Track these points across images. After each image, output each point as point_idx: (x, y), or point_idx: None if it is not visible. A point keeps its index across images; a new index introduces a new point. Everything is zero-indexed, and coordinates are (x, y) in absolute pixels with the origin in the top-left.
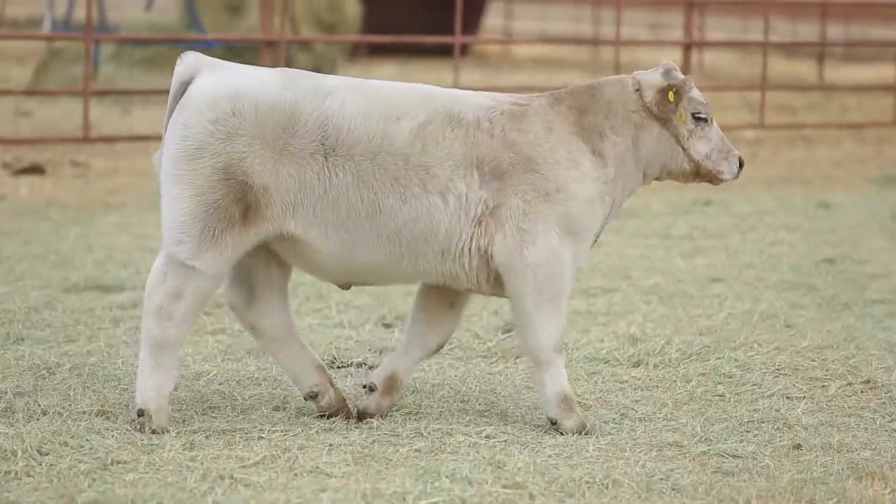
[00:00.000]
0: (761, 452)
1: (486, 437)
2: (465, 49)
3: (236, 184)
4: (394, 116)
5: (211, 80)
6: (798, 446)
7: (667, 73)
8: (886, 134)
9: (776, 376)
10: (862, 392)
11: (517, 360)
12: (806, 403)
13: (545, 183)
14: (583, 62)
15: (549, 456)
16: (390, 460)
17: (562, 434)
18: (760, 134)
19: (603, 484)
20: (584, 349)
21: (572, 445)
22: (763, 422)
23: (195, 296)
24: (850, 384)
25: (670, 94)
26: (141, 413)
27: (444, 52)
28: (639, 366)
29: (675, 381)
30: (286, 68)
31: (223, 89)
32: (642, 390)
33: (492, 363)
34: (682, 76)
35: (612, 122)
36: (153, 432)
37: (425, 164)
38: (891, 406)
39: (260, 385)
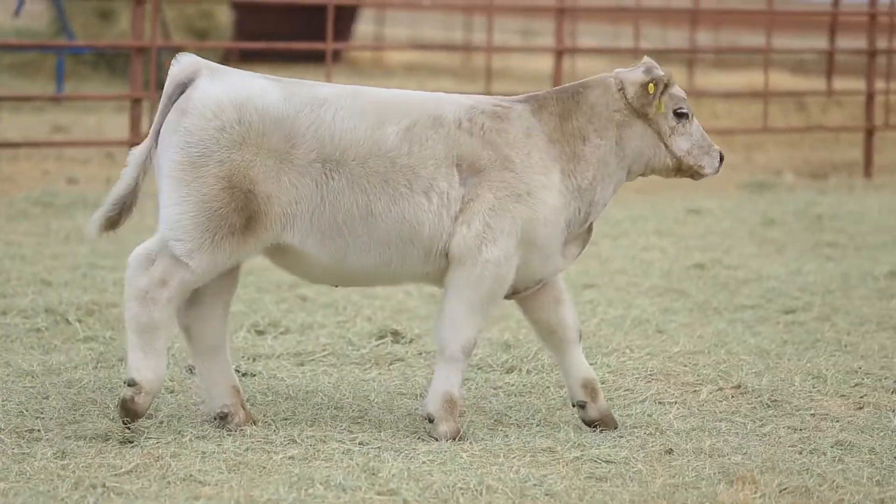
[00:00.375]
0: (634, 457)
1: (359, 444)
2: (337, 55)
3: (240, 192)
4: (381, 121)
5: (216, 86)
6: (670, 451)
7: (647, 70)
8: (756, 140)
9: (648, 381)
10: (733, 397)
11: (391, 367)
12: (678, 408)
13: (519, 184)
14: (454, 68)
15: (423, 462)
16: (264, 468)
17: (432, 436)
18: None
19: (477, 490)
20: None
21: (446, 452)
22: (635, 427)
23: (179, 287)
24: (721, 389)
25: (650, 86)
26: (133, 383)
27: (317, 58)
28: (512, 372)
29: (548, 387)
30: (279, 77)
31: (229, 97)
32: (516, 396)
33: (365, 370)
34: (662, 72)
35: (595, 125)
36: (133, 410)
37: (411, 165)
38: (761, 411)
39: None
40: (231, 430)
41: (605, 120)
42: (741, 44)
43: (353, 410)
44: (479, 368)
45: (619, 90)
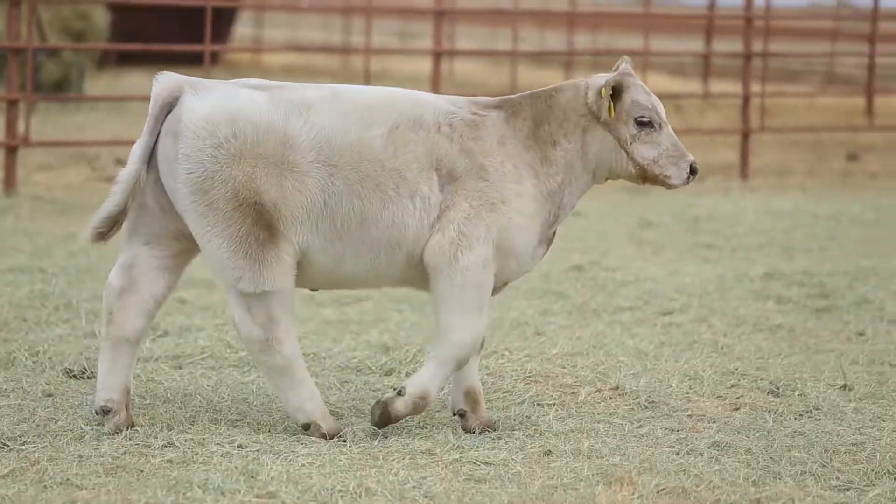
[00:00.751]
0: (513, 459)
1: (238, 447)
2: (215, 57)
3: (250, 207)
4: (367, 124)
5: (203, 103)
6: (548, 452)
7: (619, 74)
8: None
9: (527, 383)
10: (611, 398)
11: None
12: (556, 410)
13: (493, 193)
14: (333, 70)
15: (303, 465)
16: (142, 471)
17: (388, 409)
18: None
19: (356, 492)
20: (337, 358)
21: (325, 454)
22: (514, 429)
23: (284, 310)
24: (599, 391)
25: (602, 90)
26: (307, 427)
27: (195, 60)
28: (391, 374)
29: None
30: (260, 80)
31: (219, 112)
32: None
33: (244, 373)
34: (624, 76)
35: (564, 130)
36: (326, 438)
37: (398, 168)
38: (639, 412)
39: (8, 396)
40: (108, 428)
41: (572, 124)
42: (619, 46)
43: (232, 413)
44: (357, 371)
45: (585, 94)
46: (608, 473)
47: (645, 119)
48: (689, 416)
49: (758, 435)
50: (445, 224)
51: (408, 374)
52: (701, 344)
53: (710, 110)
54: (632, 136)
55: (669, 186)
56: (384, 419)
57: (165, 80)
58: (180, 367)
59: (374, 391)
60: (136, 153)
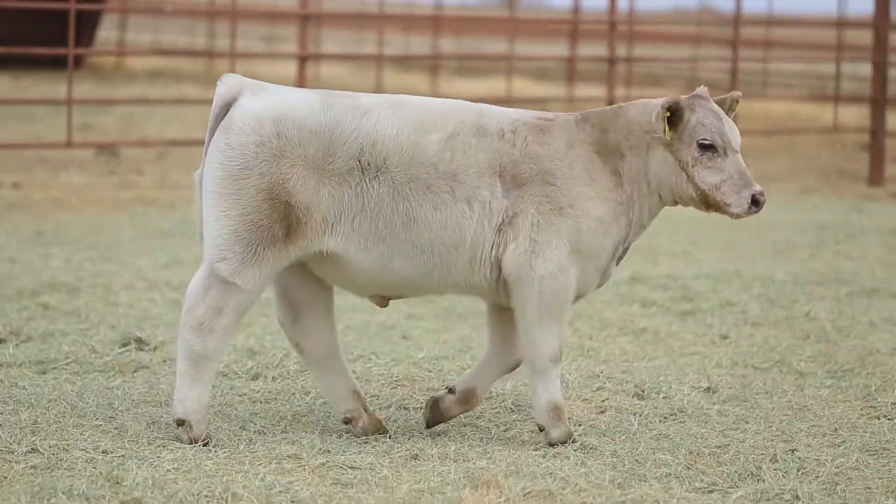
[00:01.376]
0: (379, 463)
1: (103, 453)
2: (79, 61)
3: (280, 204)
4: (424, 129)
5: (255, 102)
6: (415, 456)
7: (691, 97)
8: None
9: (394, 387)
10: (483, 398)
11: (135, 375)
12: (421, 413)
13: (560, 197)
14: (198, 74)
15: (168, 470)
16: (5, 477)
17: (548, 443)
18: None
19: (222, 497)
20: None
21: (191, 459)
22: (381, 432)
23: (235, 311)
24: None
25: (662, 111)
26: (181, 422)
27: (59, 63)
28: (258, 378)
29: (293, 394)
30: (327, 89)
31: (267, 112)
32: (261, 403)
33: (109, 377)
34: (692, 98)
35: (630, 143)
36: (193, 441)
37: (453, 172)
38: (506, 415)
39: None
40: (357, 435)
41: (638, 140)
42: (484, 51)
43: (97, 419)
44: (224, 375)
45: (651, 112)
46: (475, 477)
47: (707, 142)
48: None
49: (623, 437)
50: (517, 233)
51: (273, 379)
52: (566, 347)
53: None
54: (693, 158)
55: (731, 215)
56: (553, 444)
57: (229, 82)
58: (44, 373)
59: (240, 395)
60: (204, 154)
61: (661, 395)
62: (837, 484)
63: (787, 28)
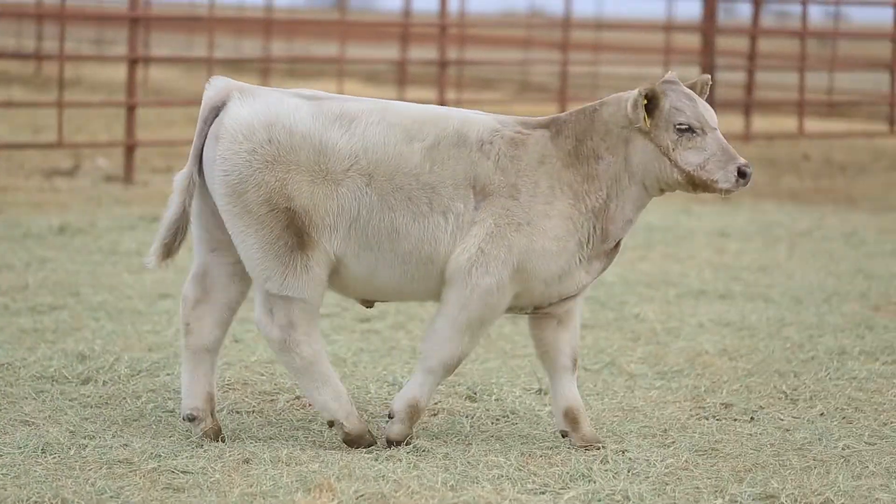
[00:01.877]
0: (211, 467)
1: None
2: None
3: (281, 212)
4: (409, 138)
5: (245, 108)
6: (248, 460)
7: (662, 83)
8: None
9: (226, 391)
10: (309, 405)
11: None
12: (255, 417)
13: (521, 213)
14: (26, 77)
15: None
16: None
17: (385, 434)
18: None
19: (52, 503)
20: (32, 367)
21: (20, 465)
22: (217, 439)
23: (305, 318)
24: (298, 398)
25: (641, 99)
26: (331, 424)
27: None
28: (88, 383)
29: (124, 398)
30: (316, 91)
31: (258, 117)
32: (92, 408)
33: None
34: (664, 84)
35: (607, 143)
36: (349, 436)
37: (432, 184)
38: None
39: None
40: (196, 435)
41: (615, 137)
42: (315, 53)
43: None
44: (54, 381)
45: (626, 106)
46: (307, 480)
47: (684, 125)
48: (388, 421)
49: (455, 440)
50: (469, 239)
51: (104, 383)
52: (399, 350)
53: None
54: (673, 142)
55: (720, 192)
56: (394, 444)
57: (217, 85)
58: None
59: (70, 400)
60: (191, 157)
61: (493, 398)
62: (667, 484)
63: (617, 32)
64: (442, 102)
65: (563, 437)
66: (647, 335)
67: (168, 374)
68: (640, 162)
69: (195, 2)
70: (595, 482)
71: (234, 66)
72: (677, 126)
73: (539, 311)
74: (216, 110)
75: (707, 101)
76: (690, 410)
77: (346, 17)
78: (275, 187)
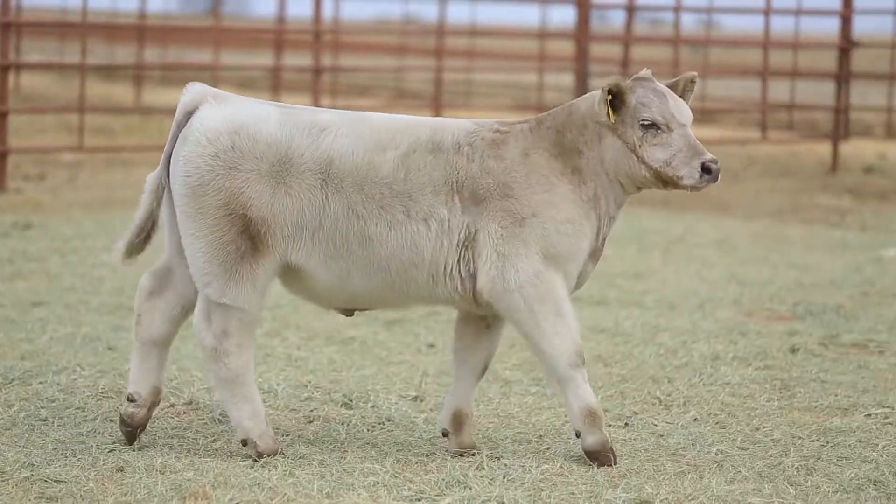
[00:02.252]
0: (85, 476)
1: None
2: None
3: (238, 218)
4: (380, 147)
5: (212, 113)
6: (121, 469)
7: (627, 79)
8: None
9: (100, 399)
10: (185, 413)
11: None
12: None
13: (521, 208)
14: None
15: None
16: None
17: (584, 452)
18: (80, 157)
19: None
20: None
21: None
22: (87, 445)
23: (241, 329)
24: (172, 405)
25: (604, 94)
26: (245, 442)
27: None
28: None
29: None
30: (288, 104)
31: (225, 123)
32: None
33: None
34: (635, 80)
35: (585, 138)
36: (264, 455)
37: (408, 192)
38: (213, 426)
39: None
40: (124, 413)
41: (590, 132)
42: (189, 60)
43: None
44: None
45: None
46: (182, 488)
47: (647, 121)
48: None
49: (331, 447)
50: (481, 249)
51: None
52: (275, 357)
53: None
54: (639, 139)
55: (686, 188)
56: (602, 463)
57: (193, 90)
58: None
59: None
60: (163, 159)
61: (370, 405)
62: (542, 490)
63: (491, 39)
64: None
65: (444, 436)
66: (522, 342)
67: (41, 383)
68: (611, 158)
69: (67, 7)
70: (471, 488)
71: (108, 72)
72: (641, 122)
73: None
74: (189, 115)
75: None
76: (565, 417)
77: (220, 23)
78: (233, 193)
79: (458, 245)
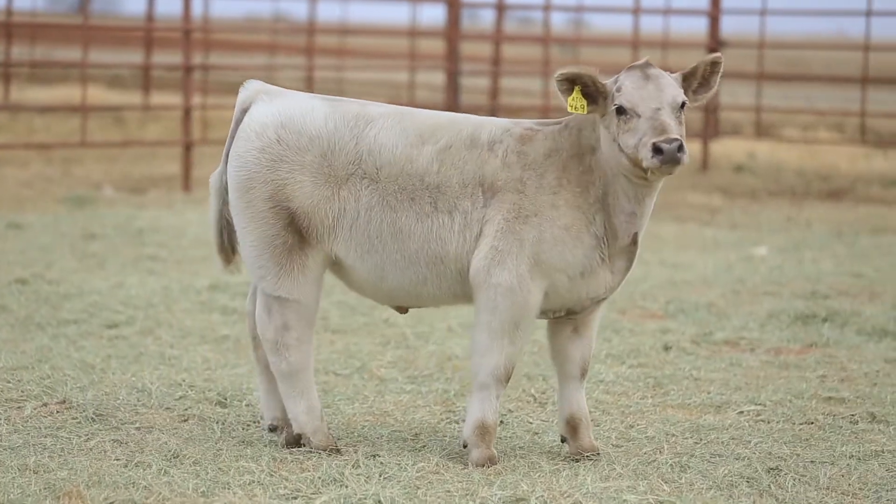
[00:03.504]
0: None
1: None
2: None
3: (283, 210)
4: (421, 141)
5: (263, 108)
6: None
7: (596, 68)
8: (75, 154)
9: None
10: (58, 412)
11: None
12: (2, 425)
13: (527, 205)
14: None
15: None
16: None
17: (472, 464)
18: None
19: None
20: None
21: None
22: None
23: (300, 321)
24: (45, 405)
25: (557, 84)
26: (299, 438)
27: None
28: None
29: None
30: (339, 97)
31: (272, 118)
32: None
33: None
34: (628, 70)
35: (597, 134)
36: (320, 450)
37: (438, 184)
38: (87, 425)
39: None
40: (280, 443)
41: (597, 128)
42: (57, 58)
43: None
44: None
45: None
46: (56, 488)
47: (617, 105)
48: (137, 428)
49: (206, 446)
50: (482, 239)
51: None
52: (148, 356)
53: (151, 122)
54: (617, 126)
55: (650, 171)
56: (483, 468)
57: (249, 87)
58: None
59: None
60: (223, 157)
61: (244, 403)
62: (419, 488)
63: (361, 37)
64: (187, 107)
65: (562, 442)
66: (396, 339)
67: None
68: (606, 150)
69: None
70: (347, 486)
71: None
72: (615, 108)
73: (573, 314)
74: (244, 112)
75: (453, 106)
76: (441, 414)
77: (89, 21)
78: (278, 186)
79: (475, 238)
